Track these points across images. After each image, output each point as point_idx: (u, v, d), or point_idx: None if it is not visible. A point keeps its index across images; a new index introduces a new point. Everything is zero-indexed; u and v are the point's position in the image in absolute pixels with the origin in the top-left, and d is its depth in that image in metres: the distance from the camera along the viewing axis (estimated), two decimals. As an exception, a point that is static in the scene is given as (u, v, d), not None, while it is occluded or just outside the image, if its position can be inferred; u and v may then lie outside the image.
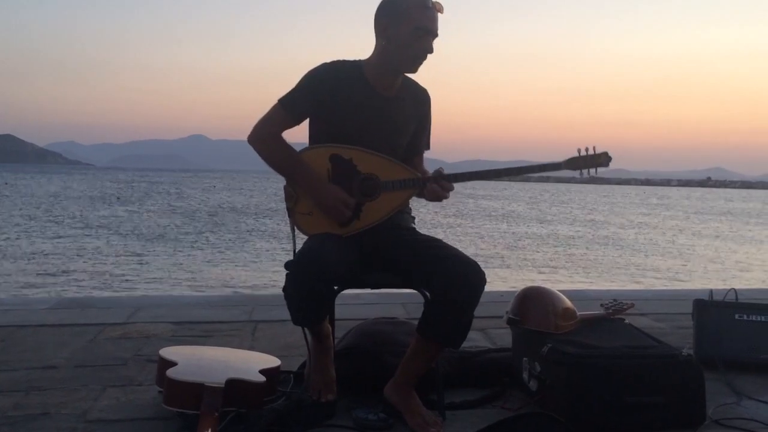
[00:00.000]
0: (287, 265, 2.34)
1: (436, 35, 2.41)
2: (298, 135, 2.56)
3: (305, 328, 2.49)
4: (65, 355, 3.25)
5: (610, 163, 2.51)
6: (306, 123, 2.54)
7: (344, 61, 2.51)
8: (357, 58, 2.53)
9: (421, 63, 2.44)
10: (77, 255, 15.20)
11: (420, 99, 2.63)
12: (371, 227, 2.46)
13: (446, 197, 2.44)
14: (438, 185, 2.42)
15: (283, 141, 2.50)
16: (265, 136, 2.48)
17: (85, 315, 4.11)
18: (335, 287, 2.42)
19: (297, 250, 2.40)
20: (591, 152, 2.47)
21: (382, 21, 2.42)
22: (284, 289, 2.34)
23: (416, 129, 2.63)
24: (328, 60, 2.52)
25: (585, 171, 2.49)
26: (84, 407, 2.57)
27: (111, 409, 2.56)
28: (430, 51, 2.42)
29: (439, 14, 2.40)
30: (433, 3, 2.38)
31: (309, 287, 2.27)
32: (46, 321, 3.91)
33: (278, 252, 16.25)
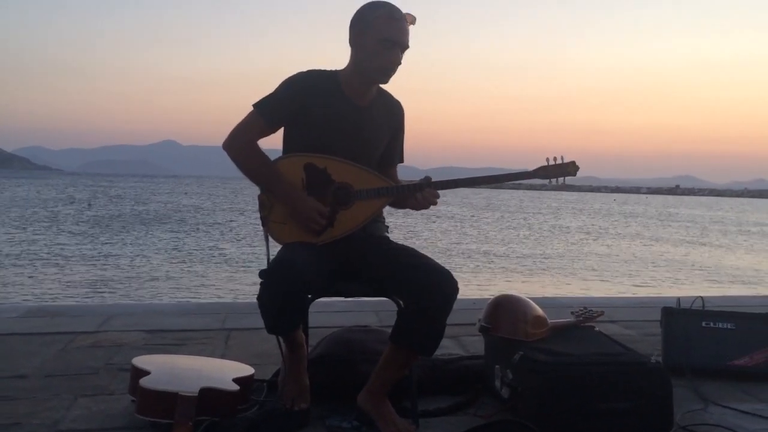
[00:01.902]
0: (261, 274, 2.34)
1: (405, 47, 2.44)
2: (271, 142, 2.57)
3: (279, 337, 2.49)
4: (35, 364, 3.21)
5: (579, 172, 2.56)
6: (280, 131, 2.55)
7: (320, 71, 2.53)
8: (334, 68, 2.55)
9: (390, 74, 2.47)
10: (47, 261, 15.00)
11: (393, 110, 2.65)
12: (345, 236, 2.48)
13: (434, 204, 2.47)
14: (425, 194, 2.44)
15: (258, 149, 2.50)
16: (241, 144, 2.48)
17: (55, 323, 4.07)
18: (309, 296, 2.43)
19: (271, 259, 2.40)
20: (559, 161, 2.51)
21: (354, 31, 2.46)
22: (258, 297, 2.34)
23: (390, 140, 2.65)
24: (304, 69, 2.54)
25: (554, 179, 2.54)
26: (55, 417, 2.55)
27: (83, 419, 2.54)
28: (398, 62, 2.44)
29: (411, 26, 2.44)
30: (402, 14, 2.41)
31: (283, 296, 2.27)
32: (15, 329, 3.87)
33: (251, 259, 16.17)
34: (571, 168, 2.53)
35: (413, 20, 2.43)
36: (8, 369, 3.12)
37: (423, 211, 2.53)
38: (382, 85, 2.59)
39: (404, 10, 2.44)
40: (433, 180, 2.49)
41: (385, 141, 2.63)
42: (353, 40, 2.46)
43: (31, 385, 2.91)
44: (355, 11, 2.48)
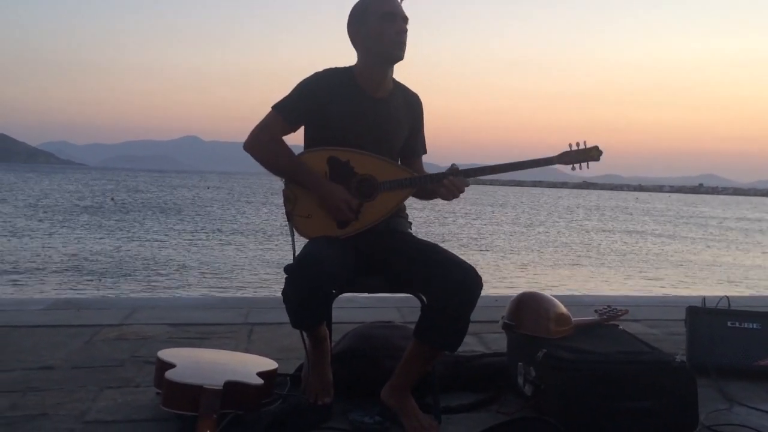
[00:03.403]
0: (287, 269, 2.35)
1: (405, 18, 2.49)
2: (291, 139, 2.60)
3: (303, 331, 2.51)
4: (62, 356, 3.26)
5: (601, 170, 2.55)
6: (301, 129, 2.58)
7: (335, 69, 2.57)
8: (348, 65, 2.59)
9: (401, 46, 2.48)
10: (73, 255, 15.15)
11: (412, 102, 2.68)
12: (369, 229, 2.49)
13: (462, 191, 2.46)
14: (454, 181, 2.44)
15: (284, 143, 2.53)
16: (265, 141, 2.50)
17: (80, 316, 4.12)
18: (333, 291, 2.44)
19: (296, 254, 2.41)
20: (582, 146, 2.51)
21: (353, 29, 2.53)
22: (284, 292, 2.36)
23: (410, 132, 2.67)
24: (320, 67, 2.57)
25: (577, 165, 2.52)
26: (82, 408, 2.59)
27: (109, 410, 2.58)
28: (404, 31, 2.48)
29: (401, 2, 2.49)
30: None
31: (308, 291, 2.28)
32: (41, 322, 3.92)
33: (271, 254, 16.24)
34: (594, 153, 2.51)
35: None
36: (35, 360, 3.16)
37: (444, 207, 2.53)
38: (400, 81, 2.63)
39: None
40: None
41: (405, 133, 2.65)
42: (356, 36, 2.52)
43: (58, 376, 2.95)
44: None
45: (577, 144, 2.49)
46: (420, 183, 2.50)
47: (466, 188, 2.48)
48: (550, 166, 2.49)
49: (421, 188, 2.55)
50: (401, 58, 2.52)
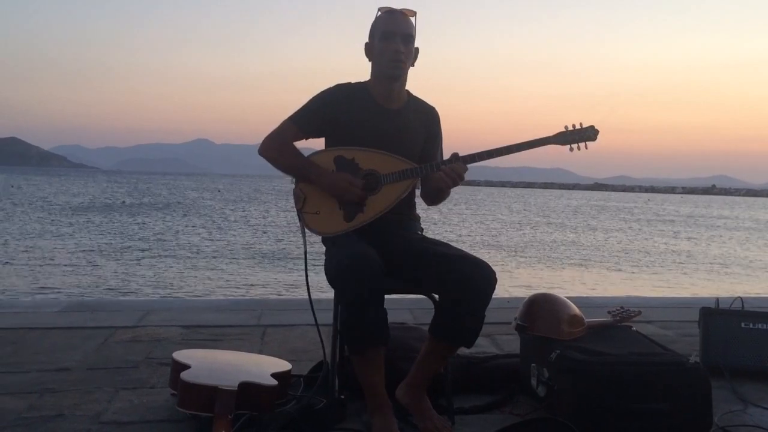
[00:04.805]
0: (336, 279, 2.31)
1: (405, 35, 2.52)
2: (300, 143, 2.66)
3: (375, 350, 2.37)
4: (77, 357, 3.29)
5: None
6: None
7: (349, 83, 2.66)
8: (363, 80, 2.66)
9: (397, 65, 2.53)
10: (88, 259, 15.24)
11: (427, 115, 2.72)
12: (380, 230, 2.51)
13: (461, 177, 2.47)
14: (453, 166, 2.46)
15: (294, 147, 2.61)
16: (278, 145, 2.59)
17: (95, 318, 4.15)
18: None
19: (331, 260, 2.40)
20: (578, 126, 2.51)
21: (366, 45, 2.62)
22: (345, 307, 2.30)
23: (427, 143, 2.69)
24: (330, 72, 2.61)
25: (575, 146, 2.50)
26: (98, 409, 2.61)
27: (125, 411, 2.60)
28: (399, 50, 2.51)
29: (412, 18, 2.55)
30: (399, 9, 2.56)
31: (370, 284, 2.26)
32: (56, 324, 3.96)
33: (279, 255, 16.27)
34: (590, 132, 2.51)
35: (411, 12, 2.56)
36: (51, 362, 3.20)
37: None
38: (416, 95, 2.69)
39: (417, 8, 2.58)
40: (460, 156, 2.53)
41: (420, 143, 2.68)
42: (369, 52, 2.61)
43: (74, 377, 2.98)
44: None
45: (573, 126, 2.50)
46: (420, 173, 2.52)
47: (464, 173, 2.49)
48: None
49: (428, 185, 2.60)
50: (397, 76, 2.57)
